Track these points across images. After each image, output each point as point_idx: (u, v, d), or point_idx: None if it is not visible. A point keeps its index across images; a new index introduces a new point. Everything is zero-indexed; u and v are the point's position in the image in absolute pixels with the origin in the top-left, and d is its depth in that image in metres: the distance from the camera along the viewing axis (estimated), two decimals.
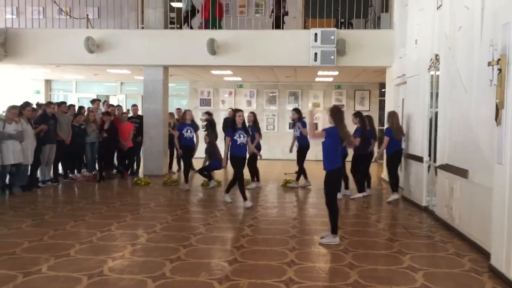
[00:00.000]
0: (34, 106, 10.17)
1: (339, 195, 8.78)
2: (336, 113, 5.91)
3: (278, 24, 12.01)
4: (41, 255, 5.22)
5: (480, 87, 5.61)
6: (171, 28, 12.19)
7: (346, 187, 9.37)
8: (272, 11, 12.39)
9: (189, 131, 9.80)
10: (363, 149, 8.92)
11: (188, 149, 10.04)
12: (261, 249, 5.69)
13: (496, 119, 4.75)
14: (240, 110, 8.31)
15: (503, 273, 4.60)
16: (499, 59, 4.68)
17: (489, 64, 4.97)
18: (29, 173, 9.47)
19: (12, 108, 8.86)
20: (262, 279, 4.62)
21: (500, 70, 4.64)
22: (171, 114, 13.00)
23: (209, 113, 13.97)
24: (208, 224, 6.85)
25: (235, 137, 8.00)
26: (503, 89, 4.59)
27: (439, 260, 5.40)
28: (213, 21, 12.04)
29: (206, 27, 11.97)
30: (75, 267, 4.86)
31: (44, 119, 9.74)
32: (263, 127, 16.45)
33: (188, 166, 10.25)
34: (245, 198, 8.11)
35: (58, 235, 6.12)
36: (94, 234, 6.16)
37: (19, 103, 9.59)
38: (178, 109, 13.53)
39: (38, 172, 9.96)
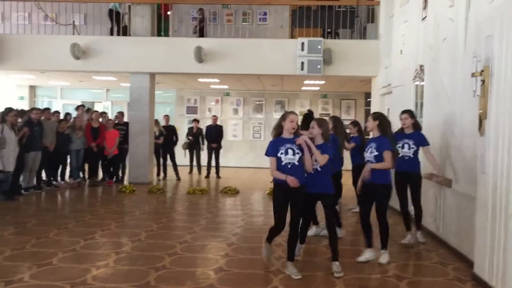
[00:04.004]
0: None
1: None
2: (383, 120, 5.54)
3: (202, 33, 13.11)
4: (23, 264, 5.13)
5: (464, 98, 5.69)
6: (158, 35, 12.17)
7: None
8: (198, 23, 13.32)
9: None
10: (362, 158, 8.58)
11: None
12: (246, 257, 5.67)
13: (479, 129, 4.82)
14: (293, 113, 5.03)
15: (486, 281, 4.64)
16: (482, 71, 4.76)
17: (473, 75, 5.05)
18: (11, 179, 9.31)
19: None
20: (247, 287, 4.61)
21: (483, 81, 4.72)
22: (157, 122, 12.87)
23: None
24: (194, 233, 6.81)
25: (279, 154, 4.90)
26: (486, 100, 4.66)
27: (424, 268, 5.44)
28: (159, 22, 12.16)
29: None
30: (58, 275, 4.78)
31: (29, 125, 9.60)
32: (249, 135, 16.68)
33: (306, 224, 5.59)
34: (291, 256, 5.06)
35: (40, 243, 6.02)
36: (77, 242, 6.08)
37: (1, 109, 9.46)
38: (166, 116, 13.44)
39: (21, 178, 9.81)
